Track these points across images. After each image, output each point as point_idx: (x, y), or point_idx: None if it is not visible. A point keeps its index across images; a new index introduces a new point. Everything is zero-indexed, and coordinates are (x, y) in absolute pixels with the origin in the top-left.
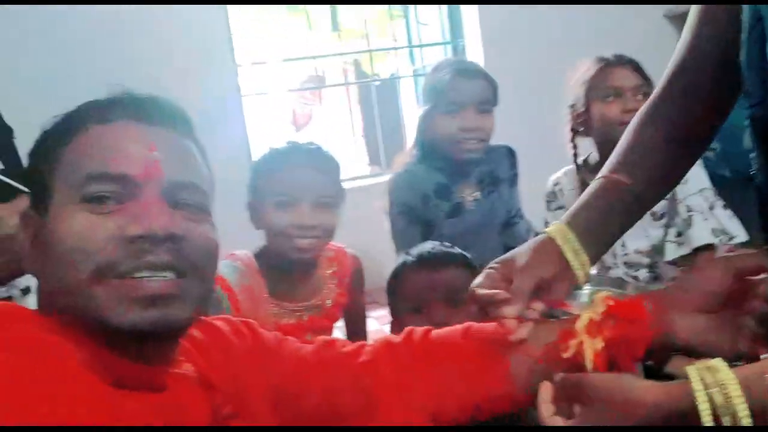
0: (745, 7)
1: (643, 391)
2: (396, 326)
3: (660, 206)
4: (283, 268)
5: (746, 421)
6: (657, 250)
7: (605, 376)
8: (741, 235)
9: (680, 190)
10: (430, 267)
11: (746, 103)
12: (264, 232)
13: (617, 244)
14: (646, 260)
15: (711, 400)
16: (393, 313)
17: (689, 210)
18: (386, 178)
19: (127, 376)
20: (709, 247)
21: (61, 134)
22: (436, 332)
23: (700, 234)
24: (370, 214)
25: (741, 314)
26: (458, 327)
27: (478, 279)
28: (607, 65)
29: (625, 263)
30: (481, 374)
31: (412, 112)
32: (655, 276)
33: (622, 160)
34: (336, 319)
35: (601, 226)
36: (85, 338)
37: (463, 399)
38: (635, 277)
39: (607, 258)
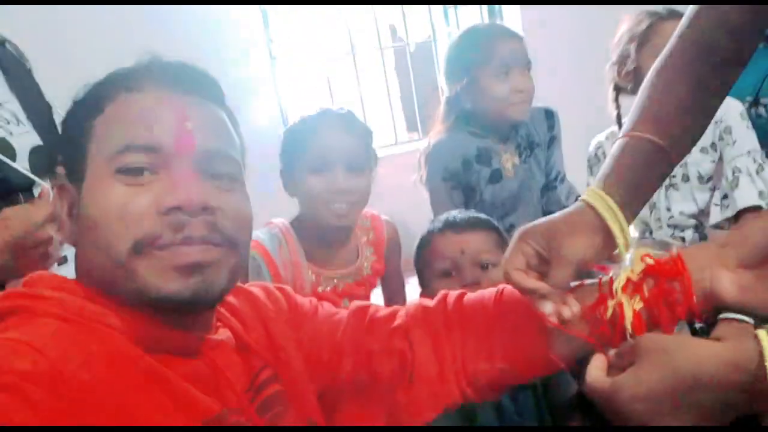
0: None
1: (711, 347)
2: (426, 293)
3: (706, 169)
4: (320, 234)
5: None
6: (703, 213)
7: (662, 336)
8: None
9: (727, 152)
10: (457, 230)
11: None
12: (298, 199)
13: (662, 208)
14: (691, 222)
15: None
16: (421, 283)
17: (735, 171)
18: (424, 144)
19: (165, 342)
20: (755, 210)
21: (92, 104)
22: (469, 296)
23: (746, 195)
24: (409, 182)
25: None
26: (492, 290)
27: (513, 256)
28: (660, 19)
29: (669, 225)
30: (516, 337)
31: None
32: (702, 237)
33: (644, 115)
34: (373, 287)
35: (634, 187)
36: (124, 306)
37: (499, 362)
38: (682, 238)
39: (652, 221)
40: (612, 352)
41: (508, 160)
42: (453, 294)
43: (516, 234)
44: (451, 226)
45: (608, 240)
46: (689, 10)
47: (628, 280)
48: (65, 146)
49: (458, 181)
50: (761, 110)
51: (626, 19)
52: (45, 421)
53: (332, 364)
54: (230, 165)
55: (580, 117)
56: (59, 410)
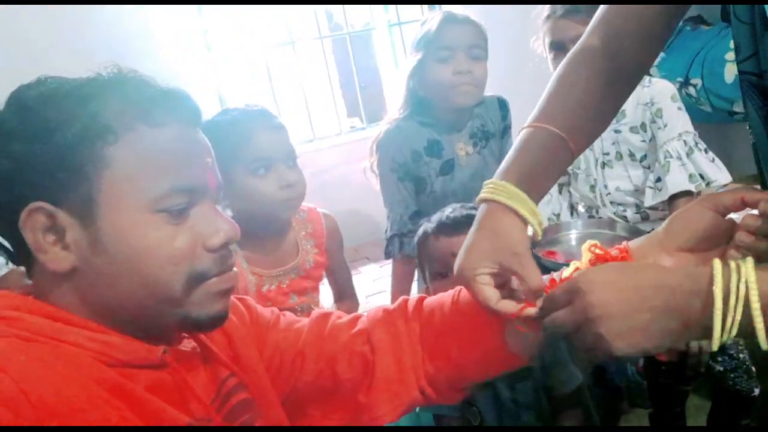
0: None
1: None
2: (427, 292)
3: (638, 148)
4: (257, 235)
5: (755, 305)
6: (640, 191)
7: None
8: (721, 178)
9: (659, 135)
10: (450, 232)
11: (721, 36)
12: (231, 203)
13: (600, 185)
14: (630, 200)
15: (727, 285)
16: (424, 278)
17: (666, 156)
18: (369, 132)
19: (130, 356)
20: (687, 194)
21: (98, 130)
22: (429, 299)
23: (676, 180)
24: (359, 171)
25: (728, 250)
26: (450, 292)
27: (485, 293)
28: (552, 17)
29: (611, 202)
30: (473, 335)
31: (387, 64)
32: (644, 216)
33: (547, 106)
34: (319, 280)
35: (534, 173)
36: (88, 324)
37: (457, 360)
38: (624, 217)
39: (597, 200)
40: (539, 300)
41: (462, 150)
42: (413, 297)
43: (461, 272)
44: (443, 229)
45: (522, 222)
46: (595, 16)
47: (577, 268)
48: (53, 167)
49: (406, 172)
50: (691, 90)
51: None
52: None
53: (294, 370)
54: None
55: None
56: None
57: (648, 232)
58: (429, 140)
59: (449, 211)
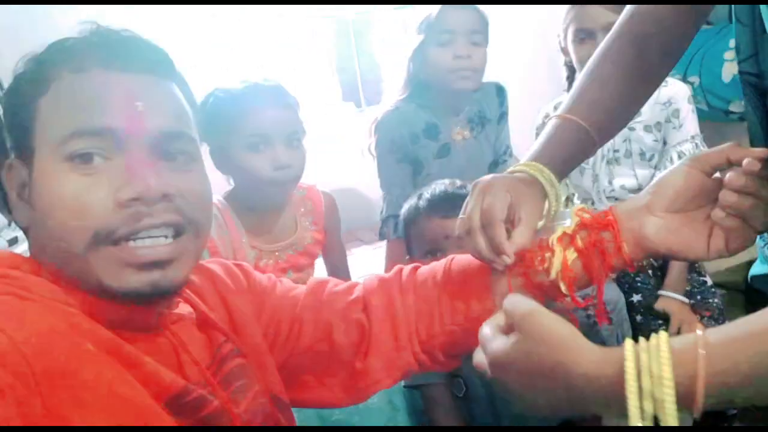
0: None
1: (582, 349)
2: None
3: (650, 148)
4: (256, 209)
5: (669, 401)
6: (643, 188)
7: (553, 318)
8: None
9: (673, 135)
10: (442, 212)
11: (721, 35)
12: (233, 176)
13: (604, 181)
14: (631, 196)
15: (639, 378)
16: (409, 251)
17: (681, 155)
18: (367, 114)
19: (125, 319)
20: None
21: (35, 82)
22: (422, 268)
23: None
24: (356, 153)
25: (713, 209)
26: (442, 261)
27: (496, 204)
28: (581, 4)
29: (609, 197)
30: (465, 302)
31: (387, 48)
32: None
33: (577, 100)
34: (315, 257)
35: (562, 162)
36: (82, 288)
37: (448, 327)
38: None
39: (594, 193)
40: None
41: (459, 134)
42: (408, 266)
43: (480, 187)
44: (435, 209)
45: (542, 207)
46: (623, 14)
47: (564, 233)
48: (11, 125)
49: (405, 153)
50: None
51: None
52: (6, 400)
53: (291, 336)
54: (186, 143)
55: (522, 91)
56: (19, 389)
57: None
58: (427, 123)
59: (440, 188)
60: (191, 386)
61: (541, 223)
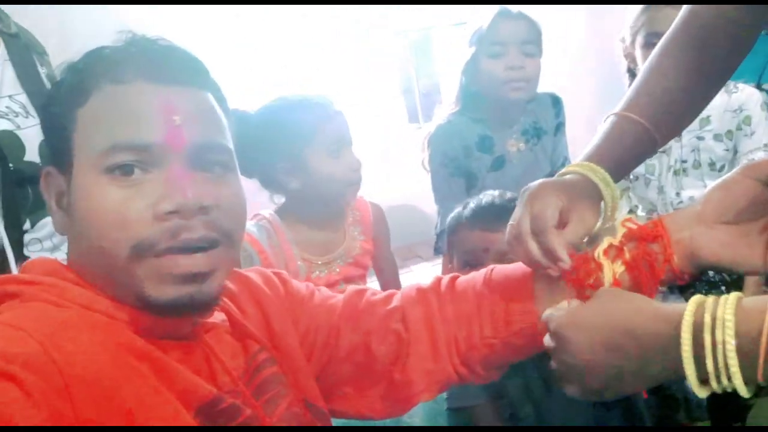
0: None
1: (652, 301)
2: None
3: (720, 157)
4: (314, 220)
5: (732, 360)
6: None
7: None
8: None
9: (744, 143)
10: (485, 225)
11: None
12: (293, 187)
13: (671, 193)
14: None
15: (700, 319)
16: (450, 261)
17: None
18: (425, 131)
19: (159, 327)
20: None
21: (74, 92)
22: (462, 278)
23: None
24: (414, 169)
25: None
26: (482, 271)
27: (547, 211)
28: (654, 8)
29: (675, 208)
30: (506, 314)
31: (448, 67)
32: None
33: (636, 96)
34: (366, 268)
35: (619, 162)
36: (118, 297)
37: (488, 339)
38: None
39: (659, 204)
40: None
41: (514, 146)
42: (447, 276)
43: (530, 194)
44: (479, 220)
45: (598, 207)
46: (684, 8)
47: (610, 244)
48: (49, 133)
49: (457, 167)
50: (764, 96)
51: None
52: (38, 406)
53: (329, 346)
54: (222, 154)
55: (581, 102)
56: (50, 395)
57: None
58: (480, 136)
59: (486, 199)
60: (223, 395)
61: (599, 225)
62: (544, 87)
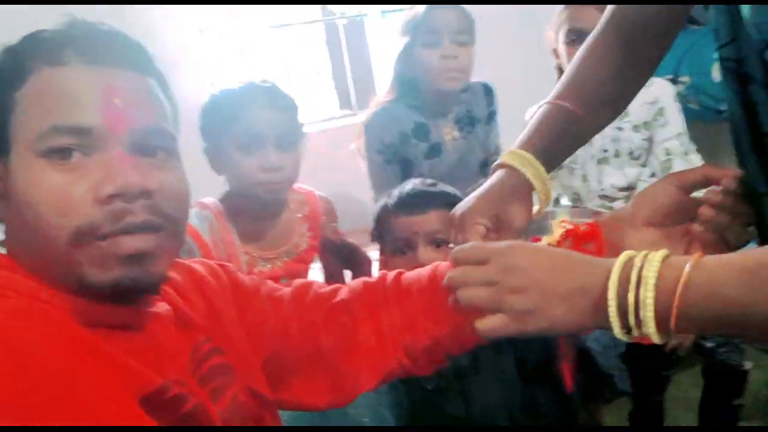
0: None
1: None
2: (384, 265)
3: (638, 146)
4: (252, 213)
5: (650, 314)
6: (632, 186)
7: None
8: None
9: (659, 132)
10: (410, 210)
11: (713, 36)
12: (227, 177)
13: (594, 181)
14: (621, 194)
15: (627, 270)
16: (382, 252)
17: (668, 153)
18: (360, 119)
19: (102, 317)
20: None
21: (12, 74)
22: (407, 274)
23: None
24: (349, 156)
25: (691, 224)
26: (428, 267)
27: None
28: (571, 5)
29: (600, 196)
30: (446, 309)
31: (380, 54)
32: None
33: (568, 85)
34: (310, 263)
35: (551, 148)
36: (59, 283)
37: (432, 332)
38: (611, 208)
39: (583, 192)
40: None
41: (449, 134)
42: (392, 273)
43: (458, 218)
44: (404, 206)
45: (531, 196)
46: (609, 6)
47: (549, 244)
48: None
49: (394, 154)
50: (680, 87)
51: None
52: None
53: (275, 337)
54: (165, 139)
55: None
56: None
57: None
58: (416, 123)
59: (409, 187)
60: (168, 384)
61: (535, 211)
62: (475, 76)
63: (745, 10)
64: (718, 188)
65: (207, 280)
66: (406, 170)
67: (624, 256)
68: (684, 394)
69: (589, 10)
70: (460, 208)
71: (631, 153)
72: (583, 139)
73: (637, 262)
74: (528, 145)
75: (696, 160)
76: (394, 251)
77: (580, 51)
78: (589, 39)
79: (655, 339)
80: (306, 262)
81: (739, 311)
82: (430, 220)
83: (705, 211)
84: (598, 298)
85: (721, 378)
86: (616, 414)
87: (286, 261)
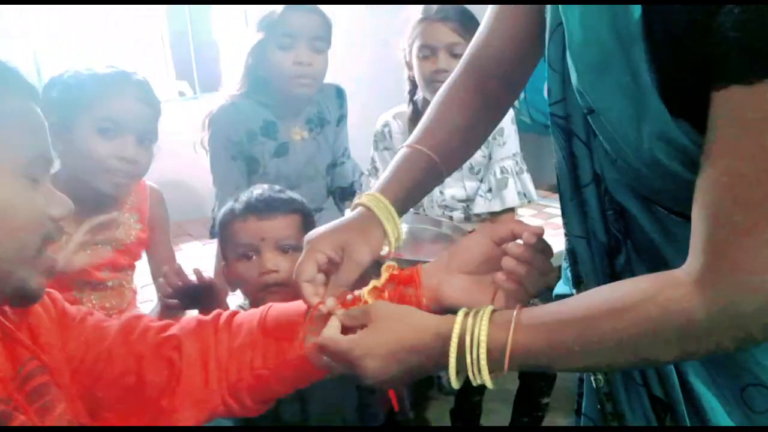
0: (548, 9)
1: (425, 317)
2: (227, 270)
3: (477, 162)
4: (83, 198)
5: (484, 369)
6: (470, 198)
7: (390, 304)
8: (535, 196)
9: (497, 151)
10: (258, 215)
11: (547, 93)
12: (67, 156)
13: (436, 192)
14: (460, 205)
15: (462, 338)
16: (224, 256)
17: (503, 171)
18: (202, 104)
19: None
20: (511, 210)
21: None
22: (241, 313)
23: (513, 196)
24: (184, 142)
25: (497, 273)
26: (262, 307)
27: (305, 265)
28: (427, 20)
29: (440, 206)
30: (276, 348)
31: (225, 27)
32: (467, 216)
33: (426, 130)
34: (137, 258)
35: (408, 190)
36: None
37: (260, 372)
38: (450, 217)
39: (425, 201)
40: (342, 312)
41: (298, 134)
42: (227, 312)
43: (306, 243)
44: (252, 210)
45: (383, 236)
46: (466, 53)
47: (375, 287)
48: None
49: (240, 150)
50: (513, 111)
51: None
52: None
53: (97, 366)
54: None
55: (360, 95)
56: None
57: (469, 231)
58: (265, 121)
59: (258, 192)
60: None
61: (384, 251)
62: (328, 77)
63: (573, 76)
64: (521, 242)
65: (32, 307)
66: (252, 168)
67: (459, 320)
68: (501, 387)
69: (442, 27)
70: (311, 235)
71: (471, 168)
72: (439, 180)
73: (469, 325)
74: (387, 190)
75: (527, 180)
76: (240, 256)
77: (438, 96)
78: (446, 85)
79: (490, 385)
80: (132, 256)
81: (545, 363)
82: (277, 226)
83: (507, 262)
84: (441, 360)
85: (534, 379)
86: (438, 411)
87: (110, 251)
